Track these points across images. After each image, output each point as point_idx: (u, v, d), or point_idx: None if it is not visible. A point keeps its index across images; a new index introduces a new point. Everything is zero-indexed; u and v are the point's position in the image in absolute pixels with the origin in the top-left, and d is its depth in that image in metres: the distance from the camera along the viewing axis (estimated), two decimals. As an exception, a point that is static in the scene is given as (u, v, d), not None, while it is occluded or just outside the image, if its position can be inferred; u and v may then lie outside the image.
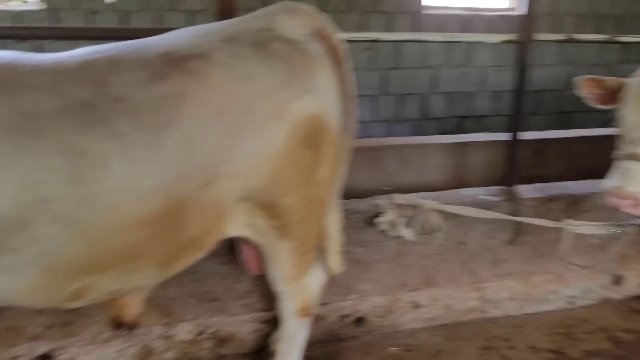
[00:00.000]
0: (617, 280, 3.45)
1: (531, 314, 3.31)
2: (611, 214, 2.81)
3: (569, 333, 3.16)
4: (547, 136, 4.39)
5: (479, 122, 6.56)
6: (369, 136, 5.99)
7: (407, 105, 6.46)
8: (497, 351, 2.97)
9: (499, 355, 2.94)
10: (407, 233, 2.85)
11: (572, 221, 2.87)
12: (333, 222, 2.37)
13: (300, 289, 2.32)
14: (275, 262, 2.22)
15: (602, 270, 3.27)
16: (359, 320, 3.00)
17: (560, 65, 6.65)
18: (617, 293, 3.48)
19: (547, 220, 2.87)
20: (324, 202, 2.21)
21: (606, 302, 3.45)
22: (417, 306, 3.08)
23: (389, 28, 6.07)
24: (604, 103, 2.61)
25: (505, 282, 3.21)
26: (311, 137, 2.00)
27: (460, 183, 3.92)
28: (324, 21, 2.20)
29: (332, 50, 2.15)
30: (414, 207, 2.90)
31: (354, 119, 2.26)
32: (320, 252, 2.39)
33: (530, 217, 3.03)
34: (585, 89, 2.65)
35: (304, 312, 2.38)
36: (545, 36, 2.89)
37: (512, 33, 3.04)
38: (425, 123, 6.48)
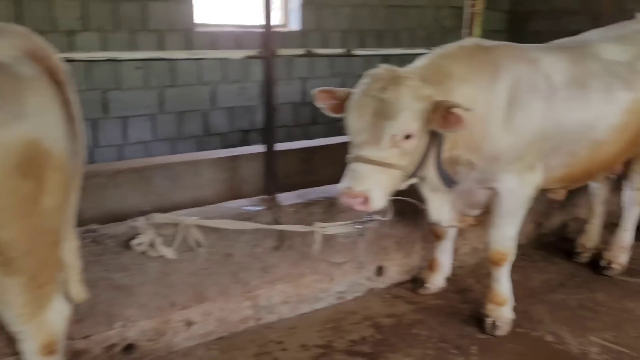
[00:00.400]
0: (379, 271, 3.79)
1: (305, 314, 3.49)
2: (359, 213, 3.09)
3: (338, 326, 3.38)
4: (314, 144, 4.68)
5: (262, 135, 6.77)
6: (150, 156, 5.82)
7: (187, 122, 6.44)
8: (270, 355, 3.07)
9: (271, 359, 3.04)
10: (168, 252, 2.82)
11: (321, 224, 3.09)
12: (70, 250, 2.24)
13: (40, 326, 2.15)
14: (5, 301, 2.04)
15: (357, 265, 3.56)
16: (129, 348, 2.88)
17: (332, 77, 7.14)
18: (381, 283, 3.82)
19: (299, 226, 3.05)
20: (54, 231, 2.08)
21: (372, 293, 3.77)
22: (189, 323, 3.05)
23: (160, 46, 6.00)
24: (336, 112, 2.83)
25: (276, 287, 3.33)
26: (28, 164, 1.87)
27: (235, 196, 3.96)
28: (40, 42, 2.08)
29: (50, 72, 2.05)
30: (175, 224, 2.88)
31: (83, 141, 2.17)
32: (60, 282, 2.25)
33: (291, 223, 3.19)
34: (320, 100, 2.86)
35: (48, 349, 2.21)
36: (286, 51, 3.07)
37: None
38: (208, 139, 6.51)
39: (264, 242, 3.23)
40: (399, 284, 3.89)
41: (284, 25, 7.02)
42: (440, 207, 3.22)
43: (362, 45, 7.13)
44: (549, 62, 3.07)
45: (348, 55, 3.35)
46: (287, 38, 6.65)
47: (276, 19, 7.05)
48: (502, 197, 3.07)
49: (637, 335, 3.33)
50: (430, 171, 2.90)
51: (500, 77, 2.88)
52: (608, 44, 3.36)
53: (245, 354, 3.06)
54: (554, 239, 4.75)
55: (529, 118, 2.92)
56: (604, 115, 3.16)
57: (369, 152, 2.61)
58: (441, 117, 2.59)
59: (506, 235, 3.20)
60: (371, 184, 2.60)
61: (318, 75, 6.96)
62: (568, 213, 4.85)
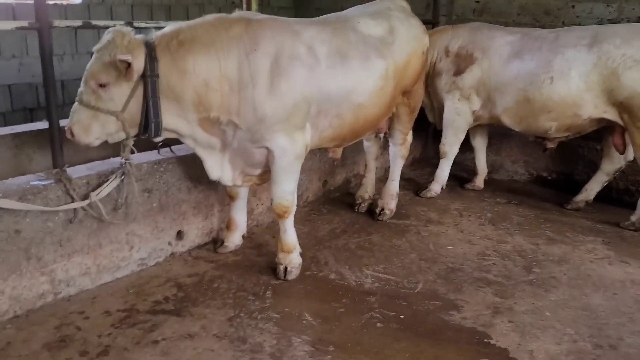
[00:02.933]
0: (179, 235, 3.97)
1: (106, 283, 3.54)
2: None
3: (141, 291, 3.50)
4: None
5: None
6: None
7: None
8: (72, 325, 3.09)
9: (74, 327, 3.07)
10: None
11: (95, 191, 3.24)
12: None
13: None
14: None
15: (157, 230, 3.71)
16: None
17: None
18: (181, 247, 4.00)
19: (73, 204, 3.17)
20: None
21: (173, 257, 3.94)
22: (-22, 307, 2.94)
23: None
24: None
25: (73, 259, 3.33)
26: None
27: (22, 173, 3.80)
28: None
29: None
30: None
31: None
32: None
33: (80, 195, 3.22)
34: None
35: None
36: (62, 22, 3.04)
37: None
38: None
39: (57, 215, 3.20)
40: (200, 246, 4.12)
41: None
42: (217, 166, 3.51)
43: (153, 19, 7.06)
44: (312, 35, 3.49)
45: (132, 27, 3.40)
46: (69, 11, 6.33)
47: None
48: (276, 155, 3.44)
49: (401, 266, 3.99)
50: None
51: (261, 47, 3.21)
52: (365, 18, 3.89)
53: (45, 328, 3.05)
54: (338, 194, 5.35)
55: (292, 84, 3.30)
56: (363, 81, 3.67)
57: (80, 95, 3.04)
58: (120, 69, 2.96)
59: (286, 189, 3.57)
60: (75, 121, 3.06)
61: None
62: (350, 170, 5.49)
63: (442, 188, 5.44)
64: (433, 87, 5.31)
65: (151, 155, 3.76)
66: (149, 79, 3.02)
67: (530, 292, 3.67)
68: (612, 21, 5.41)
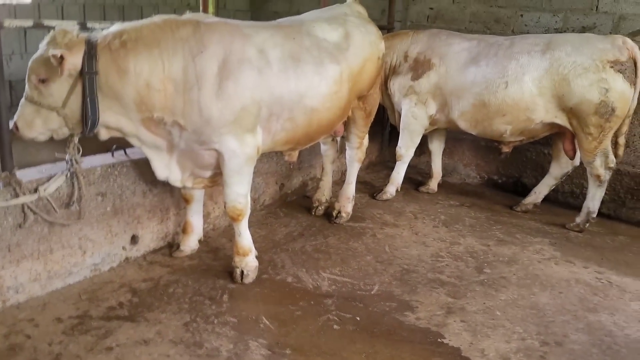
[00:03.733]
0: (134, 240, 3.91)
1: (58, 289, 3.46)
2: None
3: (94, 297, 3.43)
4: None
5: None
6: None
7: None
8: (21, 333, 3.01)
9: (23, 336, 2.99)
10: None
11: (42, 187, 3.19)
12: None
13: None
14: None
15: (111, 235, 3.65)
16: None
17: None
18: (136, 251, 3.95)
19: (18, 199, 3.11)
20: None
21: (128, 262, 3.88)
22: None
23: None
24: None
25: (23, 265, 3.25)
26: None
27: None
28: None
29: None
30: None
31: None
32: None
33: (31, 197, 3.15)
34: None
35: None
36: (12, 22, 2.96)
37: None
38: None
39: (5, 219, 3.11)
40: (155, 251, 4.07)
41: (12, -3, 6.47)
42: (165, 167, 3.50)
43: (106, 20, 6.93)
44: (264, 38, 3.50)
45: (84, 27, 3.34)
46: (19, 10, 6.16)
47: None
48: (225, 157, 3.43)
49: (358, 268, 4.04)
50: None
51: (208, 50, 3.21)
52: (321, 23, 3.93)
53: (-7, 336, 2.96)
54: (295, 197, 5.38)
55: (241, 87, 3.31)
56: (316, 85, 3.70)
57: (26, 91, 3.11)
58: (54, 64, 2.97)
59: (239, 192, 3.56)
60: (19, 115, 3.12)
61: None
62: (306, 173, 5.52)
63: (397, 190, 5.53)
64: (392, 90, 5.40)
65: (105, 159, 3.71)
66: (87, 76, 3.03)
67: (482, 292, 3.78)
68: (558, 30, 5.63)
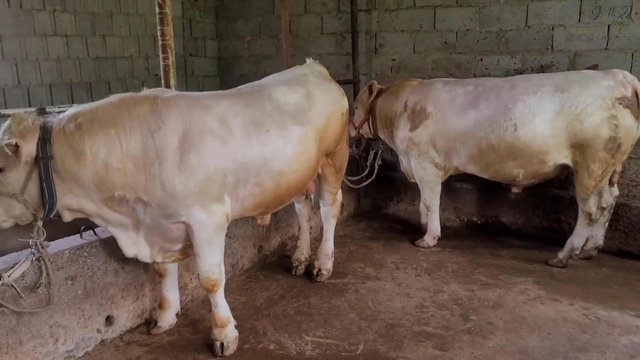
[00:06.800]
0: (109, 321, 3.79)
1: (30, 382, 3.31)
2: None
3: (69, 386, 3.29)
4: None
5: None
6: None
7: None
8: None
9: None
10: None
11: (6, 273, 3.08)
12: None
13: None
14: None
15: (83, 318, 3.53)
16: None
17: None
18: (112, 332, 3.82)
19: None
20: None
21: (103, 344, 3.74)
22: None
23: None
24: None
25: (-10, 361, 3.12)
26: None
27: None
28: None
29: None
30: None
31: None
32: None
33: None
34: None
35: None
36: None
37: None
38: None
39: (-31, 315, 3.01)
40: (132, 329, 3.93)
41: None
42: (133, 244, 3.44)
43: (73, 98, 6.95)
44: (224, 107, 3.51)
45: (43, 112, 3.34)
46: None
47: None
48: (195, 229, 3.37)
49: (341, 327, 3.94)
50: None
51: (166, 125, 3.21)
52: (281, 86, 3.97)
53: None
54: (275, 258, 5.30)
55: (203, 158, 3.29)
56: (281, 148, 3.70)
57: None
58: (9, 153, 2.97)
59: (211, 262, 3.49)
60: None
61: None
62: (284, 233, 5.47)
63: (434, 239, 5.56)
64: (396, 143, 5.55)
65: (73, 241, 3.63)
66: (41, 161, 3.02)
67: (469, 341, 3.70)
68: (517, 71, 5.76)
